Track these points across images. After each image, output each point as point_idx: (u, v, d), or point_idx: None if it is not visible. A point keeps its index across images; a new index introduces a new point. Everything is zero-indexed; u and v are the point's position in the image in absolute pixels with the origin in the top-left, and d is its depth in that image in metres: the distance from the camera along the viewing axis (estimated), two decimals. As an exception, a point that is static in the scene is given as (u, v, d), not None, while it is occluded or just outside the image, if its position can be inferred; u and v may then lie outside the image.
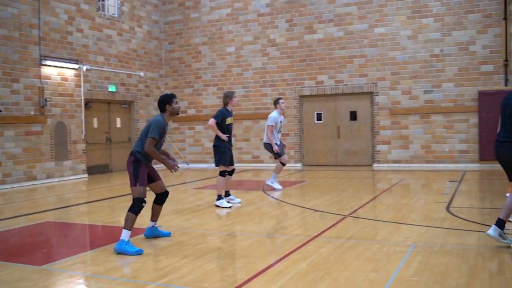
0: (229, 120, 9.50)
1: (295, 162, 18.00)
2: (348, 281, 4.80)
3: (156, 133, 6.20)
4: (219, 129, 9.33)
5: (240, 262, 5.65)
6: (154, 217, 6.80)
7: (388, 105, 16.84)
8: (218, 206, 9.35)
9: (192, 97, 19.39)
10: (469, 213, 8.21)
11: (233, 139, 10.14)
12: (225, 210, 9.11)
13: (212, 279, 5.00)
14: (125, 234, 6.04)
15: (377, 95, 16.99)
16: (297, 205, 9.49)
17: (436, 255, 5.61)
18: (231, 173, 9.75)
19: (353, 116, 17.50)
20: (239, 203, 9.75)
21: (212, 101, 19.13)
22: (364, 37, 17.12)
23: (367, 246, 6.17)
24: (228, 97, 9.60)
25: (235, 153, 18.58)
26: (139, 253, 5.94)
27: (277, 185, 11.80)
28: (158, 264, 5.59)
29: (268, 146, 11.56)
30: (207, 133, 18.94)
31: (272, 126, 11.34)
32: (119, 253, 5.96)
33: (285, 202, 9.84)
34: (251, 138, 18.54)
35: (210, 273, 5.20)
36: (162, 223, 7.54)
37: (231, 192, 10.00)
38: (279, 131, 11.66)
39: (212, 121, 9.31)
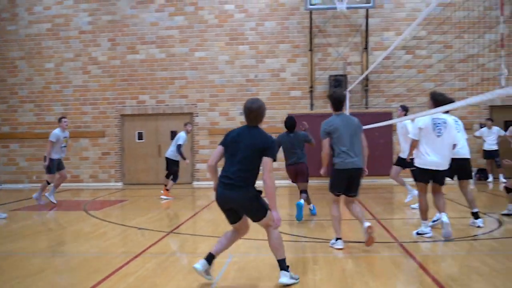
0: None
1: (115, 181, 18.01)
2: (174, 291, 5.25)
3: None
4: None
5: (68, 282, 5.78)
6: None
7: (207, 125, 17.72)
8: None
9: (7, 114, 18.40)
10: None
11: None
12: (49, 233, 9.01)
13: (40, 298, 5.10)
14: None
15: (197, 116, 17.78)
16: (120, 224, 9.71)
17: (251, 263, 6.30)
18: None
19: (174, 135, 17.92)
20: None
21: (28, 118, 18.37)
22: (185, 60, 17.84)
23: (190, 259, 6.68)
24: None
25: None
26: None
27: (52, 198, 12.73)
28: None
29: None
30: (22, 151, 18.22)
31: (53, 142, 12.41)
32: None
33: (108, 221, 9.98)
34: (71, 157, 18.05)
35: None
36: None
37: None
38: (63, 147, 12.75)
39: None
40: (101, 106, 18.12)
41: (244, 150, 5.23)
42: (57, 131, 12.56)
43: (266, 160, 5.19)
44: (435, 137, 7.45)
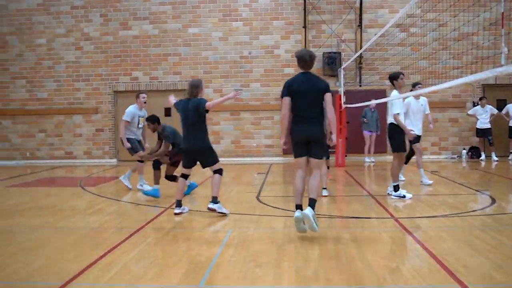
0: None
1: (110, 158, 18.01)
2: (176, 265, 5.31)
3: None
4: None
5: (70, 256, 5.84)
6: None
7: (201, 102, 17.65)
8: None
9: (-2, 90, 18.30)
10: (276, 201, 9.23)
11: None
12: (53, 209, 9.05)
13: (44, 273, 5.15)
14: None
15: (191, 93, 17.70)
16: (117, 200, 9.76)
17: (250, 238, 6.38)
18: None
19: (168, 112, 17.99)
20: None
21: (20, 95, 18.24)
22: (178, 36, 17.74)
23: (189, 234, 6.75)
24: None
25: (46, 149, 17.95)
26: None
27: (126, 182, 11.02)
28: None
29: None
30: (14, 128, 18.13)
31: (128, 121, 10.61)
32: None
33: (105, 197, 10.03)
34: (63, 134, 18.09)
35: (42, 268, 5.33)
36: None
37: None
38: (140, 127, 10.92)
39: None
40: (94, 83, 18.02)
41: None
42: (132, 108, 10.74)
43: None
44: None
